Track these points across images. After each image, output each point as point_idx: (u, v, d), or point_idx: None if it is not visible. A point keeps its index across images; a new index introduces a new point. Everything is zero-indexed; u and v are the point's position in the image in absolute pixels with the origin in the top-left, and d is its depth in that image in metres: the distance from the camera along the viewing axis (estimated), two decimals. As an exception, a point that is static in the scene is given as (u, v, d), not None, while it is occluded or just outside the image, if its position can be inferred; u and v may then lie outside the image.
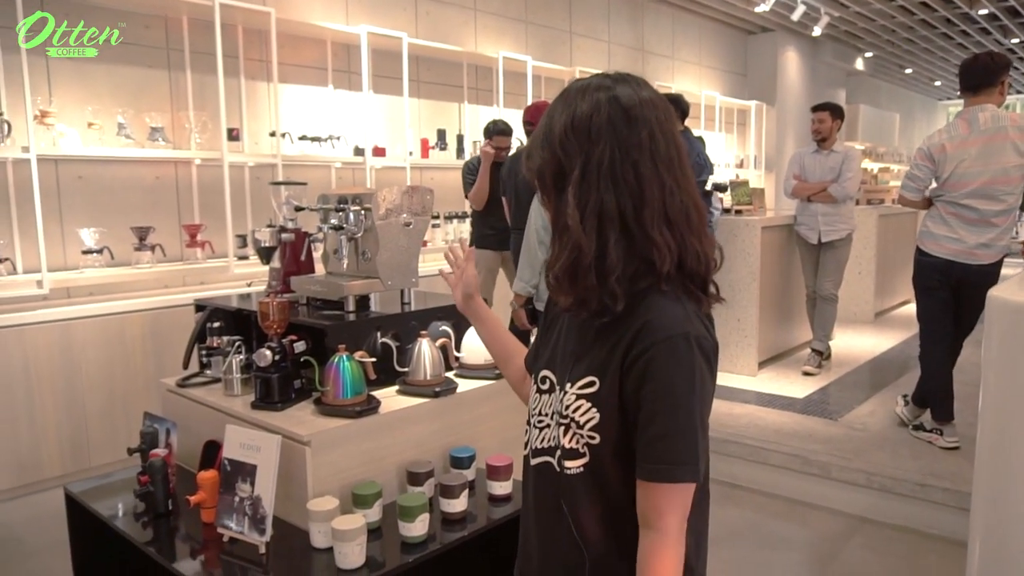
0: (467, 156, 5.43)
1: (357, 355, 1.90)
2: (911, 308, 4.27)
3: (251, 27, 4.42)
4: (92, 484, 2.10)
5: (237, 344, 2.07)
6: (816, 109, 4.83)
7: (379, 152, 5.01)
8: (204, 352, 2.23)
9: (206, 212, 4.24)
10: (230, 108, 4.23)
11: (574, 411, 1.01)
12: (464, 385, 2.09)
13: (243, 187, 4.42)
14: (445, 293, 1.86)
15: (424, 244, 4.16)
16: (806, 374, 4.75)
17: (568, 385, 1.03)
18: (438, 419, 1.97)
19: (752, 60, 9.79)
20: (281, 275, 2.32)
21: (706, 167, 4.21)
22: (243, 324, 2.20)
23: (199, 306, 2.34)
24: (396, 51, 5.01)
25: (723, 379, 4.52)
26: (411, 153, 5.19)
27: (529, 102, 5.75)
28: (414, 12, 5.53)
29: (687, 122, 4.28)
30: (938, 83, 15.04)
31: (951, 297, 3.39)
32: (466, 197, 4.65)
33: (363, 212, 2.12)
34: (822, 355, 4.88)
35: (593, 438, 1.00)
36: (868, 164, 11.26)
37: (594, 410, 1.00)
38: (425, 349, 2.01)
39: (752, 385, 4.58)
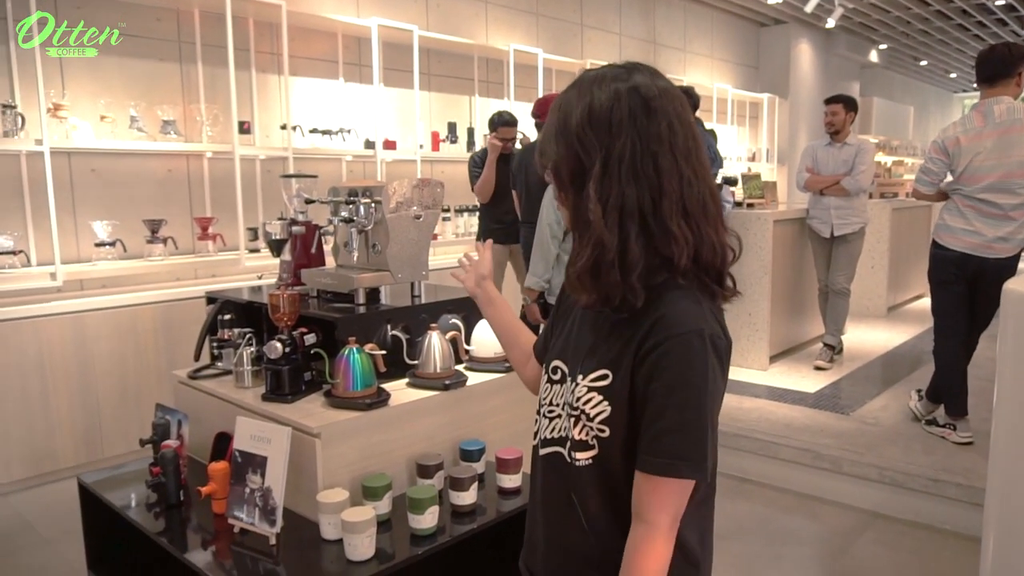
0: (478, 149, 5.42)
1: (367, 347, 1.90)
2: (924, 303, 4.23)
3: (262, 20, 4.43)
4: (105, 475, 2.12)
5: (248, 336, 2.07)
6: (829, 101, 4.77)
7: (390, 145, 5.01)
8: (215, 344, 2.24)
9: (217, 205, 4.27)
10: (241, 101, 4.25)
11: (585, 403, 1.01)
12: (474, 378, 2.09)
13: (254, 180, 4.44)
14: (455, 286, 1.85)
15: (434, 237, 4.17)
16: (818, 368, 4.72)
17: (580, 377, 1.02)
18: (448, 412, 1.98)
19: (765, 52, 9.71)
20: (292, 268, 2.33)
21: (716, 160, 4.19)
22: (254, 316, 2.21)
23: (210, 298, 2.35)
24: (407, 44, 5.01)
25: (734, 373, 4.50)
26: (421, 146, 5.18)
27: (540, 95, 5.74)
28: (425, 5, 5.51)
29: (698, 114, 4.25)
30: (953, 75, 14.88)
31: (967, 291, 3.36)
32: (472, 191, 4.64)
33: (373, 205, 2.12)
34: (834, 349, 4.85)
35: (603, 431, 0.99)
36: (882, 157, 11.14)
37: (605, 403, 0.99)
38: (435, 342, 2.02)
39: (763, 379, 4.55)
